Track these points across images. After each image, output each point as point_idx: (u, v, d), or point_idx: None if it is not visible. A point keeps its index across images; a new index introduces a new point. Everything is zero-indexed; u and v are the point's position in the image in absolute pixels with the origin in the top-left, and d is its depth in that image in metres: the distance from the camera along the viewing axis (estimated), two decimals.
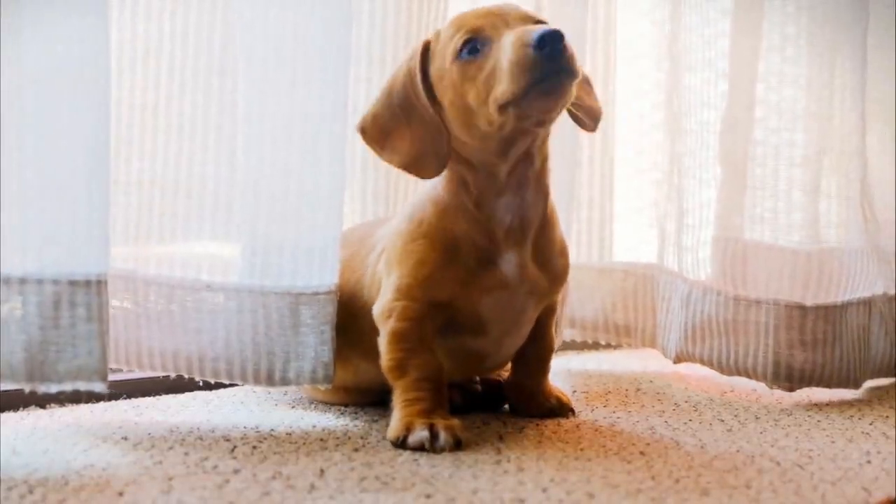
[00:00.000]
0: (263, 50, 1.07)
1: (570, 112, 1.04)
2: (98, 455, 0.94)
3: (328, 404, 1.19)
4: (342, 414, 1.15)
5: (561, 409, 1.16)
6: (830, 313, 1.32)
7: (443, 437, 0.98)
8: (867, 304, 1.37)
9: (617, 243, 1.54)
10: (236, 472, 0.89)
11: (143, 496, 0.81)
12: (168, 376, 1.11)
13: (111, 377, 0.96)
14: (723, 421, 1.16)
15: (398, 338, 1.03)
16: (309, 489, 0.85)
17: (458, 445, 0.98)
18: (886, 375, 1.42)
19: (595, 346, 1.66)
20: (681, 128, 1.41)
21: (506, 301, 1.06)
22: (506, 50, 0.95)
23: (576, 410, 1.17)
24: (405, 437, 0.99)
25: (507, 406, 1.19)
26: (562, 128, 1.15)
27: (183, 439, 1.01)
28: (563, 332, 1.45)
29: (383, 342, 1.04)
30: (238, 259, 1.09)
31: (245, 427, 1.07)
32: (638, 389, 1.34)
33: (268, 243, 1.08)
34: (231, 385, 1.21)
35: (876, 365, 1.40)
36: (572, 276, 1.25)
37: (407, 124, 1.03)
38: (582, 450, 1.00)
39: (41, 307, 0.91)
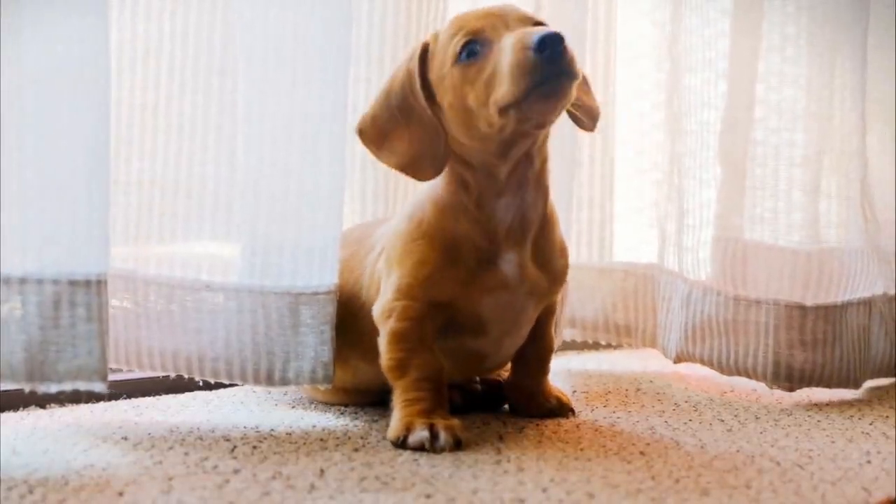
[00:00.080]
0: (263, 50, 1.07)
1: (569, 112, 1.04)
2: (98, 455, 0.94)
3: (328, 404, 1.19)
4: (342, 414, 1.15)
5: (561, 409, 1.16)
6: (830, 313, 1.32)
7: (443, 437, 0.98)
8: (867, 304, 1.37)
9: (617, 243, 1.54)
10: (236, 472, 0.89)
11: (143, 496, 0.81)
12: (168, 376, 1.11)
13: (111, 377, 0.97)
14: (723, 421, 1.16)
15: (398, 338, 1.03)
16: (309, 489, 0.85)
17: (458, 445, 0.98)
18: (886, 375, 1.43)
19: (595, 346, 1.66)
20: (681, 128, 1.41)
21: (506, 301, 1.05)
22: (506, 52, 0.95)
23: (576, 410, 1.17)
24: (405, 437, 0.99)
25: (507, 406, 1.19)
26: (562, 128, 1.15)
27: (183, 439, 1.01)
28: (562, 332, 1.45)
29: (383, 342, 1.04)
30: (238, 259, 1.09)
31: (245, 427, 1.07)
32: (638, 389, 1.34)
33: (268, 243, 1.08)
34: (231, 385, 1.21)
35: (876, 365, 1.40)
36: (572, 276, 1.25)
37: (405, 126, 1.03)
38: (582, 450, 1.00)
39: (41, 307, 0.91)
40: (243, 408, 1.17)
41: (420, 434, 0.98)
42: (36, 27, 0.91)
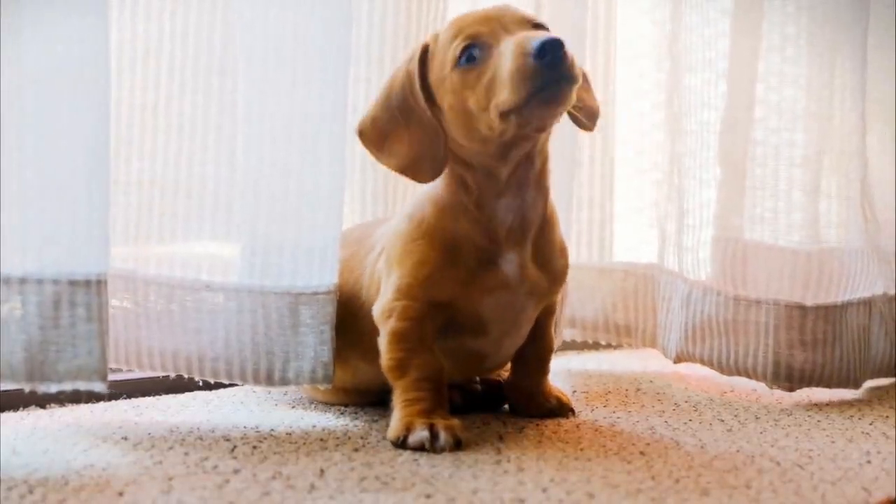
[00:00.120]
0: (263, 50, 1.07)
1: (569, 112, 1.04)
2: (98, 455, 0.94)
3: (328, 404, 1.19)
4: (342, 414, 1.15)
5: (561, 410, 1.16)
6: (830, 313, 1.32)
7: (443, 437, 0.98)
8: (867, 304, 1.37)
9: (617, 243, 1.54)
10: (236, 472, 0.89)
11: (143, 496, 0.81)
12: (168, 376, 1.11)
13: (111, 377, 0.97)
14: (723, 421, 1.16)
15: (398, 337, 1.03)
16: (309, 489, 0.85)
17: (458, 445, 0.98)
18: (886, 375, 1.43)
19: (595, 346, 1.66)
20: (681, 128, 1.41)
21: (506, 301, 1.05)
22: (506, 58, 0.95)
23: (576, 410, 1.17)
24: (405, 437, 0.99)
25: (507, 406, 1.19)
26: (562, 128, 1.15)
27: (183, 439, 1.01)
28: (562, 332, 1.45)
29: (383, 342, 1.04)
30: (238, 259, 1.09)
31: (245, 427, 1.07)
32: (638, 389, 1.34)
33: (267, 243, 1.08)
34: (231, 385, 1.21)
35: (876, 365, 1.40)
36: (572, 276, 1.25)
37: (405, 127, 1.03)
38: (582, 450, 1.00)
39: (41, 307, 0.91)
40: (243, 408, 1.17)
41: (420, 434, 0.98)
42: (36, 27, 0.91)
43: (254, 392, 1.25)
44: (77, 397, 1.14)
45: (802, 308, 1.32)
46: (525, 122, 0.97)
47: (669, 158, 1.45)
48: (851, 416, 1.21)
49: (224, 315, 1.08)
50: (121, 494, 0.82)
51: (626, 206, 1.54)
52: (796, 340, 1.31)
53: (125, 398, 1.20)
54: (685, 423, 1.14)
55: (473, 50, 0.98)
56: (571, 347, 1.64)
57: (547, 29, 1.02)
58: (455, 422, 1.01)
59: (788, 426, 1.15)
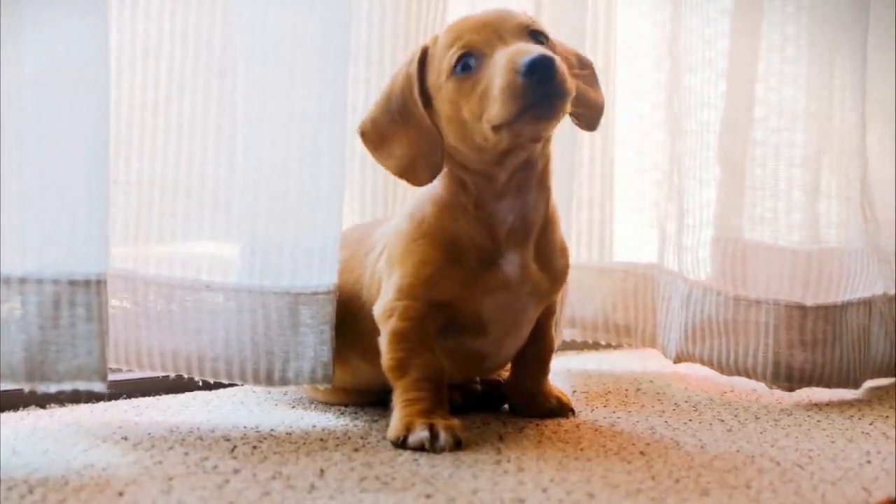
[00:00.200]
0: (263, 50, 1.07)
1: (570, 113, 1.04)
2: (98, 455, 0.94)
3: (328, 404, 1.19)
4: (342, 414, 1.15)
5: (561, 410, 1.16)
6: (830, 313, 1.32)
7: (443, 437, 0.98)
8: (867, 304, 1.37)
9: (617, 243, 1.54)
10: (236, 472, 0.89)
11: (143, 496, 0.81)
12: (168, 376, 1.11)
13: (111, 377, 0.97)
14: (723, 421, 1.16)
15: (399, 337, 1.03)
16: (309, 489, 0.85)
17: (458, 445, 0.98)
18: (886, 375, 1.42)
19: (595, 346, 1.66)
20: (681, 128, 1.41)
21: (507, 302, 1.05)
22: (497, 72, 0.95)
23: (576, 410, 1.17)
24: (405, 437, 0.99)
25: (507, 406, 1.19)
26: (562, 128, 1.15)
27: (183, 439, 1.01)
28: (562, 332, 1.45)
29: (384, 342, 1.04)
30: (237, 259, 1.09)
31: (245, 427, 1.07)
32: (638, 389, 1.34)
33: (267, 243, 1.08)
34: (231, 385, 1.21)
35: (876, 365, 1.40)
36: (572, 276, 1.25)
37: (403, 130, 1.03)
38: (582, 450, 1.00)
39: (41, 307, 0.91)
40: (243, 408, 1.17)
41: (420, 434, 0.98)
42: (36, 27, 0.91)
43: (254, 392, 1.25)
44: (77, 397, 1.14)
45: (802, 308, 1.32)
46: (517, 135, 0.97)
47: (669, 158, 1.45)
48: (851, 416, 1.21)
49: (224, 315, 1.08)
50: (121, 494, 0.82)
51: (626, 206, 1.54)
52: (796, 340, 1.31)
53: (125, 398, 1.20)
54: (685, 423, 1.14)
55: (469, 59, 0.98)
56: (571, 347, 1.64)
57: (545, 35, 1.02)
58: (455, 422, 1.01)
59: (788, 426, 1.15)
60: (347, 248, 1.13)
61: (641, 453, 0.99)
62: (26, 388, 0.92)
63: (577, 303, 1.51)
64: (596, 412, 1.19)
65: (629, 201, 1.54)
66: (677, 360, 1.39)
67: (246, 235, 1.09)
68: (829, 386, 1.32)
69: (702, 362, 1.37)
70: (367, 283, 1.10)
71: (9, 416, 1.09)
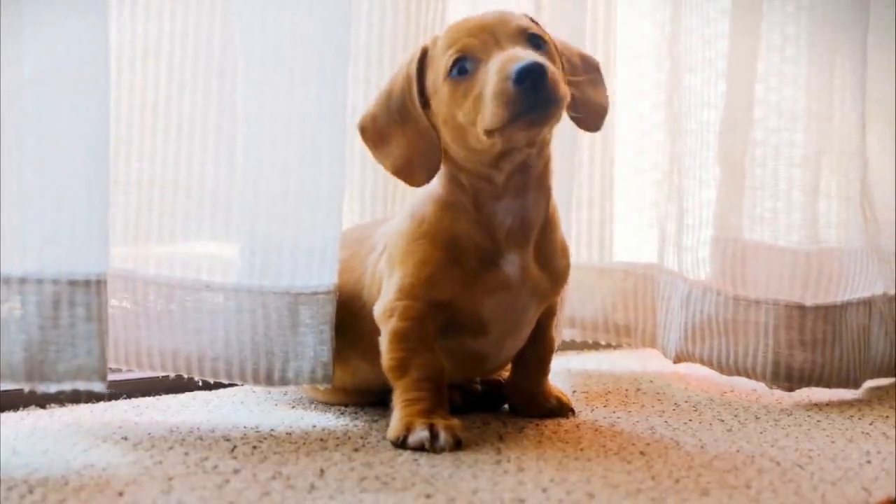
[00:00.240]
0: (262, 50, 1.07)
1: (570, 114, 1.04)
2: (98, 455, 0.94)
3: (328, 404, 1.19)
4: (342, 414, 1.15)
5: (561, 410, 1.16)
6: (830, 313, 1.32)
7: (443, 437, 0.98)
8: (867, 304, 1.37)
9: (617, 243, 1.54)
10: (236, 472, 0.89)
11: (143, 496, 0.81)
12: (168, 376, 1.11)
13: (111, 377, 0.97)
14: (723, 421, 1.16)
15: (399, 337, 1.03)
16: (309, 489, 0.85)
17: (458, 445, 0.98)
18: (886, 375, 1.42)
19: (595, 346, 1.66)
20: (681, 128, 1.41)
21: (508, 302, 1.05)
22: (490, 78, 0.95)
23: (576, 410, 1.17)
24: (405, 437, 0.99)
25: (507, 406, 1.19)
26: (562, 128, 1.15)
27: (183, 439, 1.01)
28: (562, 332, 1.45)
29: (384, 341, 1.04)
30: (237, 259, 1.09)
31: (245, 427, 1.07)
32: (638, 389, 1.34)
33: (267, 243, 1.08)
34: (231, 385, 1.21)
35: (876, 365, 1.40)
36: (572, 276, 1.25)
37: (402, 129, 1.03)
38: (582, 450, 1.00)
39: (41, 307, 0.91)
40: (243, 408, 1.17)
41: (420, 434, 0.98)
42: (36, 27, 0.91)
43: (254, 392, 1.25)
44: (77, 397, 1.14)
45: (802, 308, 1.32)
46: (510, 140, 0.98)
47: (669, 158, 1.45)
48: (851, 416, 1.21)
49: (224, 315, 1.08)
50: (121, 494, 0.82)
51: (626, 206, 1.54)
52: (796, 340, 1.31)
53: (125, 398, 1.20)
54: (685, 423, 1.14)
55: (465, 62, 0.99)
56: (571, 347, 1.64)
57: (543, 40, 1.02)
58: (455, 422, 1.01)
59: (788, 426, 1.15)
60: (348, 248, 1.13)
61: (641, 453, 0.99)
62: (26, 388, 0.92)
63: (576, 303, 1.51)
64: (596, 412, 1.19)
65: (629, 201, 1.54)
66: (677, 360, 1.39)
67: (246, 235, 1.09)
68: (829, 386, 1.32)
69: (702, 362, 1.37)
70: (368, 283, 1.10)
71: (9, 416, 1.09)
